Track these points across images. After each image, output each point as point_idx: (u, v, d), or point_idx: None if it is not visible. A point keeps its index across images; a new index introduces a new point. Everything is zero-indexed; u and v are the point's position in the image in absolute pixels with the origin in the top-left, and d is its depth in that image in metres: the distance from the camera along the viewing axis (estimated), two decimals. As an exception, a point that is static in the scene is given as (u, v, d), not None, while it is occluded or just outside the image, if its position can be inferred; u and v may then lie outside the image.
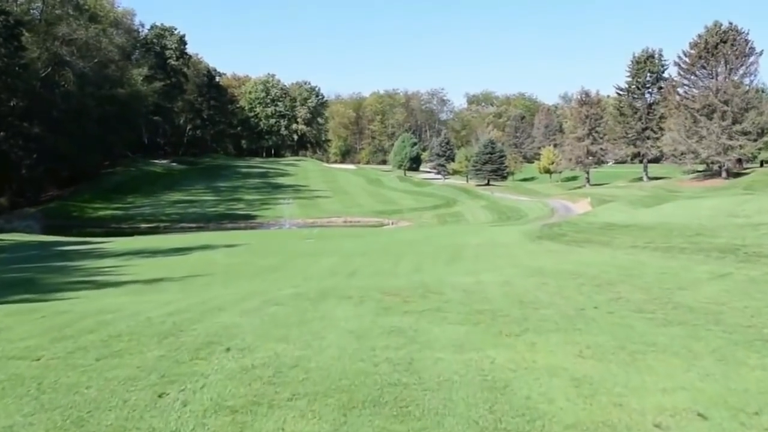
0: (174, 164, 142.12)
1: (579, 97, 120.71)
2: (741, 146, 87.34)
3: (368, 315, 10.27)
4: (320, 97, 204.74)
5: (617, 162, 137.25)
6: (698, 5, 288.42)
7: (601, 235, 27.41)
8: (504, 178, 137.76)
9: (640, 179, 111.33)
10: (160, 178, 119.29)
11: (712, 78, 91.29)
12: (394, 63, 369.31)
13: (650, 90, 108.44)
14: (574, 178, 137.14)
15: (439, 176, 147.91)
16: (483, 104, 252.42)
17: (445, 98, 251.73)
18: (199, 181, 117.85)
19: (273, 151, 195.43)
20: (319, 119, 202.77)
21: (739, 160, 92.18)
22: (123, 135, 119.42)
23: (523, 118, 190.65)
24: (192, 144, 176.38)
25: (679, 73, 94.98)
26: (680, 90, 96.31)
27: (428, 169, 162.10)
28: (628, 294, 12.10)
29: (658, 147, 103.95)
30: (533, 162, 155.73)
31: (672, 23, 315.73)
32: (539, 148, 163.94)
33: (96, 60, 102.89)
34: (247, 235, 51.90)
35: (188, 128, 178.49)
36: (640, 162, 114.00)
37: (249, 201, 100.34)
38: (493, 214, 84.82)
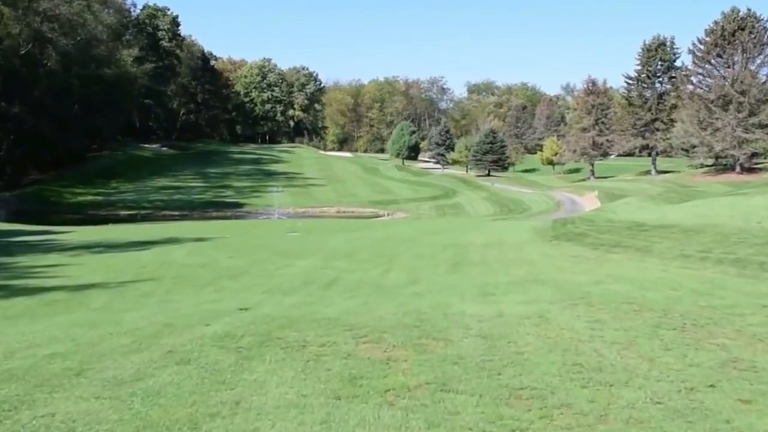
0: (165, 149, 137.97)
1: (585, 86, 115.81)
2: (757, 140, 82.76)
3: (318, 403, 5.84)
4: (318, 82, 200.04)
5: (620, 155, 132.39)
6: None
7: (633, 238, 22.95)
8: (505, 168, 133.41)
9: (648, 173, 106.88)
10: (149, 163, 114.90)
11: (728, 67, 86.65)
12: (394, 50, 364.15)
13: (661, 79, 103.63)
14: (576, 171, 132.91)
15: (438, 166, 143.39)
16: (484, 93, 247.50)
17: (445, 87, 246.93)
18: (188, 167, 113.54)
19: (268, 138, 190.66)
20: (316, 105, 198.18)
21: (754, 154, 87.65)
22: (111, 118, 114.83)
23: (524, 108, 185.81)
24: (185, 129, 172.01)
25: (693, 62, 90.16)
26: (694, 79, 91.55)
27: (427, 159, 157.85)
28: (740, 351, 7.63)
29: (668, 139, 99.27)
30: (534, 153, 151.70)
31: (682, 11, 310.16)
32: (540, 139, 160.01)
33: (80, 38, 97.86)
34: (227, 226, 47.37)
35: (182, 113, 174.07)
36: (648, 155, 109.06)
37: (239, 188, 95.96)
38: (494, 207, 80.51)
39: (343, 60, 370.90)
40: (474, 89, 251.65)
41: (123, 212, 73.92)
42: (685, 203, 34.42)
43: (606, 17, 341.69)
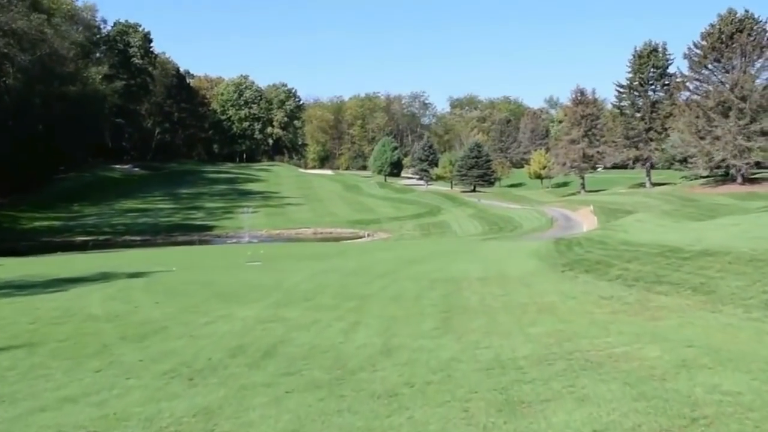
0: (136, 169, 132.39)
1: (574, 95, 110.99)
2: (760, 148, 78.01)
3: None
4: (297, 99, 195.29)
5: (608, 168, 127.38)
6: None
7: (677, 270, 17.58)
8: (491, 183, 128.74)
9: (641, 185, 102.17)
10: (117, 184, 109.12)
11: (727, 72, 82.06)
12: (375, 66, 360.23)
13: (654, 87, 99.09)
14: (565, 184, 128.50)
15: (422, 182, 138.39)
16: (467, 108, 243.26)
17: (427, 102, 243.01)
18: (159, 188, 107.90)
19: (246, 157, 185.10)
20: (296, 122, 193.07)
21: (757, 164, 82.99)
22: (78, 137, 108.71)
23: (509, 121, 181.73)
24: (161, 149, 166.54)
25: (689, 67, 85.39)
26: (690, 86, 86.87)
27: (410, 175, 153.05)
28: None
29: (662, 150, 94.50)
30: (520, 167, 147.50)
31: (668, 19, 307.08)
32: (525, 153, 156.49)
33: (40, 53, 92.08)
34: (183, 253, 41.70)
35: (157, 132, 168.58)
36: (642, 166, 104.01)
37: (210, 209, 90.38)
38: (482, 225, 75.34)
39: (323, 76, 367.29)
40: (456, 104, 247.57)
41: (80, 238, 68.10)
42: (715, 221, 29.16)
43: (589, 29, 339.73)
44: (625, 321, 12.22)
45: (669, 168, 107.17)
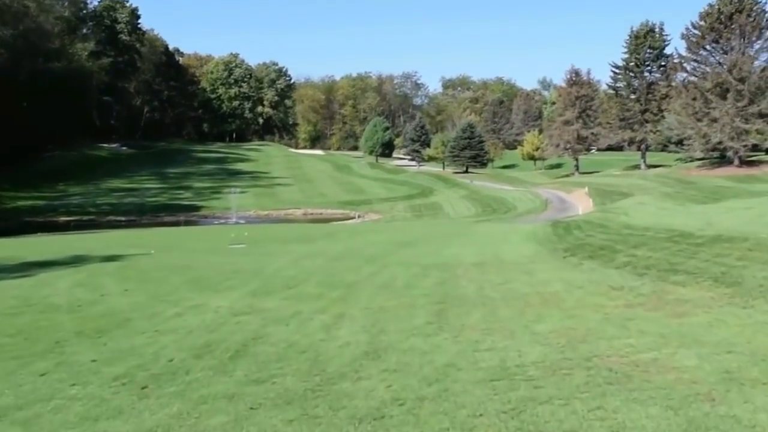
0: (124, 148, 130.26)
1: (568, 76, 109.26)
2: (757, 130, 76.64)
3: None
4: (288, 78, 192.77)
5: (600, 149, 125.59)
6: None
7: (692, 258, 16.18)
8: (484, 165, 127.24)
9: (636, 167, 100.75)
10: (104, 163, 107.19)
11: (725, 53, 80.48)
12: (366, 45, 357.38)
13: (650, 68, 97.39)
14: (558, 166, 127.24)
15: (413, 163, 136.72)
16: (459, 89, 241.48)
17: (419, 82, 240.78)
18: (146, 167, 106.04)
19: (236, 136, 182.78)
20: (286, 102, 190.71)
21: (754, 146, 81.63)
22: (64, 115, 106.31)
23: (501, 102, 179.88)
24: (150, 128, 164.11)
25: (687, 48, 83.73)
26: (687, 67, 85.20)
27: (402, 156, 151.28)
28: None
29: (658, 131, 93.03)
30: (513, 149, 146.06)
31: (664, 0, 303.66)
32: (518, 134, 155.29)
33: (22, 28, 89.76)
34: (164, 235, 40.09)
35: (145, 111, 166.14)
36: (638, 148, 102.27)
37: (198, 189, 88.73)
38: (475, 206, 73.97)
39: (314, 55, 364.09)
40: (449, 84, 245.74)
41: (63, 218, 66.40)
42: (721, 204, 27.76)
43: (584, 9, 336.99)
44: (644, 317, 10.77)
45: (663, 150, 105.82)
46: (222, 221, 64.47)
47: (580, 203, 64.51)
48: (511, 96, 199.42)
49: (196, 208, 75.82)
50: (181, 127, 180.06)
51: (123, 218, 67.79)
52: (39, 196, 78.45)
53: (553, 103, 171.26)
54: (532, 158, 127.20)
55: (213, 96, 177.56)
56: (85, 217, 67.41)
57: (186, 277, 19.36)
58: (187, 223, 63.44)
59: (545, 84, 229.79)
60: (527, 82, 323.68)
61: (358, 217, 71.07)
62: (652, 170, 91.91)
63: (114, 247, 30.67)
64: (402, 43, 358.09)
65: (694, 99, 79.78)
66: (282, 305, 13.93)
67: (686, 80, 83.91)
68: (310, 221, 68.50)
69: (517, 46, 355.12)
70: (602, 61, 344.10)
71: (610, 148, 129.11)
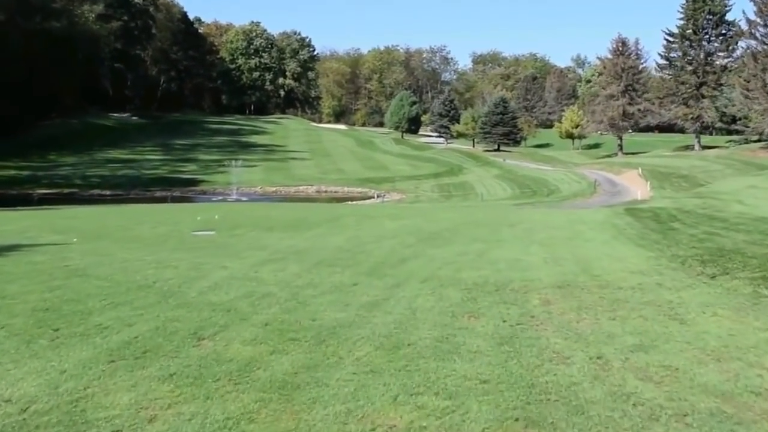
0: (134, 118, 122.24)
1: (614, 45, 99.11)
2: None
3: None
4: (311, 49, 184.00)
5: (641, 130, 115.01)
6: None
7: None
8: (517, 143, 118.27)
9: (687, 147, 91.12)
10: (107, 133, 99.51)
11: (805, 16, 70.51)
12: (394, 17, 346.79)
13: (708, 36, 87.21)
14: (596, 146, 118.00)
15: (441, 140, 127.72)
16: (490, 65, 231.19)
17: (448, 57, 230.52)
18: (153, 138, 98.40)
19: (255, 109, 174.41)
20: (309, 74, 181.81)
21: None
22: (67, 81, 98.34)
23: (534, 78, 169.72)
24: (167, 99, 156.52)
25: (756, 13, 73.21)
26: (757, 33, 74.67)
27: (429, 133, 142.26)
28: None
29: (716, 108, 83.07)
30: (546, 127, 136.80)
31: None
32: (551, 113, 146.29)
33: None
34: (127, 214, 31.53)
35: (162, 81, 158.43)
36: (693, 125, 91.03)
37: (204, 162, 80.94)
38: (512, 187, 65.36)
39: (340, 28, 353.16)
40: (479, 60, 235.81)
41: (42, 190, 58.62)
42: None
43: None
44: None
45: (722, 131, 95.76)
46: (220, 198, 56.63)
47: (635, 186, 55.52)
48: (545, 73, 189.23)
49: (196, 183, 67.83)
50: (200, 98, 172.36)
51: (108, 192, 60.12)
52: (25, 166, 70.82)
53: (588, 81, 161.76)
54: (571, 136, 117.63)
55: (232, 66, 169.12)
56: (66, 190, 59.70)
57: (54, 298, 10.55)
58: (176, 199, 55.27)
59: (579, 62, 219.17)
60: (561, 59, 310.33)
61: (378, 196, 62.55)
62: (708, 151, 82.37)
63: (36, 231, 22.42)
64: (431, 16, 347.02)
65: (764, 70, 69.81)
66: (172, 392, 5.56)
67: (755, 49, 73.71)
68: (323, 200, 60.21)
69: (550, 22, 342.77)
70: (644, 39, 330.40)
71: (649, 128, 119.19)
